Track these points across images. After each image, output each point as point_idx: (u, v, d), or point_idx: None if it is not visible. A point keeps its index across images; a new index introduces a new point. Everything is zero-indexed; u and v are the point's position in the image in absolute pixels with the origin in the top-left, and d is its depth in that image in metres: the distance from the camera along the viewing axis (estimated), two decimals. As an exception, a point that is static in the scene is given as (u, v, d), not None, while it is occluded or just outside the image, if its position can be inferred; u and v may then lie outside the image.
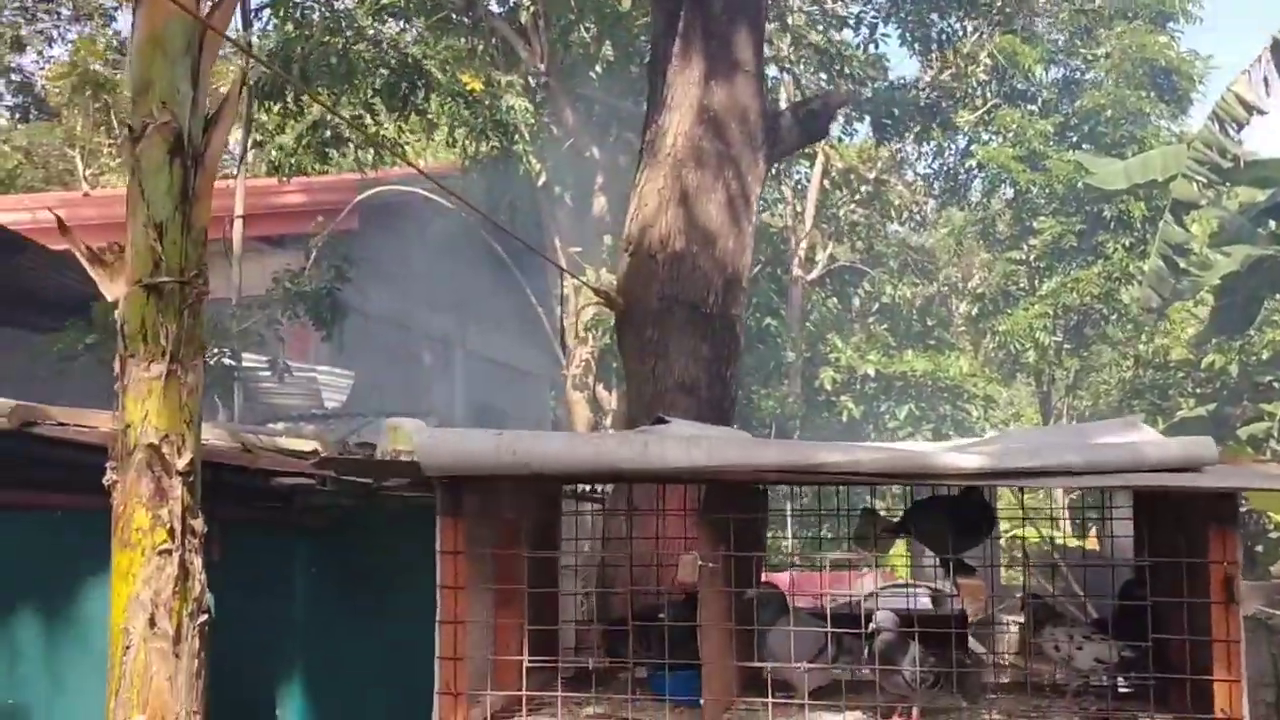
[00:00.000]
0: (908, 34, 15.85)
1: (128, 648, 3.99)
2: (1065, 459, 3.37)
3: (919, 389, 18.10)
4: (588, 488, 6.04)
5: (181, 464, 4.04)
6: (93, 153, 25.07)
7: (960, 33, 17.12)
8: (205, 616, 4.11)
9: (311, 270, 9.65)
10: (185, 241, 4.13)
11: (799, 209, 19.14)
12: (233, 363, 8.44)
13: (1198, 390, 19.74)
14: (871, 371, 17.85)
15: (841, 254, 20.28)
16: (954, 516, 3.85)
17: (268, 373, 9.19)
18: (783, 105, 12.40)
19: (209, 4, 4.33)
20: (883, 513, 4.57)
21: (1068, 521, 12.04)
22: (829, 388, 18.13)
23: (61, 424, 4.91)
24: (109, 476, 4.07)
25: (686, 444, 3.55)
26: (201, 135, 4.22)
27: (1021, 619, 4.44)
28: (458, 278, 13.80)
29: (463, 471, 3.64)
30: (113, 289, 4.16)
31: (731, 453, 3.50)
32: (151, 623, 3.99)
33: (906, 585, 8.50)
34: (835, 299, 20.35)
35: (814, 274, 19.33)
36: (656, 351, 6.01)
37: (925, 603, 7.32)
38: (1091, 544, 8.40)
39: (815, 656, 3.87)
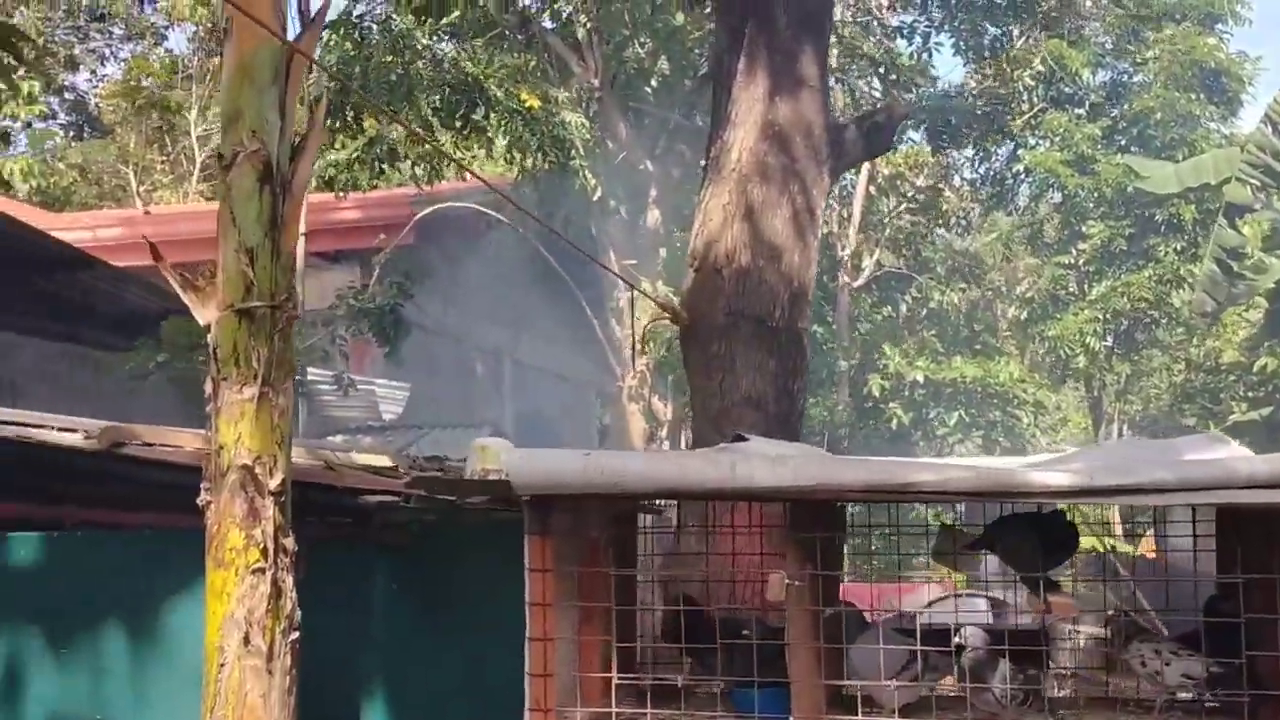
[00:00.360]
0: (961, 42, 15.82)
1: (222, 665, 4.06)
2: (1156, 476, 3.38)
3: (968, 395, 18.02)
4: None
5: (273, 484, 4.13)
6: (145, 169, 25.49)
7: (1009, 38, 17.06)
8: (296, 634, 4.18)
9: (374, 286, 9.79)
10: (275, 267, 4.22)
11: (845, 215, 19.13)
12: (298, 377, 8.56)
13: (1250, 394, 19.51)
14: (920, 378, 17.78)
15: (887, 260, 20.25)
16: (1039, 534, 3.87)
17: (329, 386, 9.33)
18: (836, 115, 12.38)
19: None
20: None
21: (1119, 529, 11.95)
22: (877, 395, 18.10)
23: (148, 444, 5.00)
24: (203, 497, 4.16)
25: (773, 464, 3.59)
26: (289, 163, 4.31)
27: (1094, 632, 4.44)
28: (510, 290, 13.91)
29: (552, 490, 3.70)
30: (204, 313, 4.25)
31: (819, 472, 3.53)
32: (246, 640, 4.06)
33: (967, 595, 8.46)
34: (885, 305, 20.30)
35: (860, 280, 19.31)
36: (723, 366, 6.05)
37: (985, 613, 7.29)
38: (1148, 553, 8.33)
39: (900, 672, 3.89)
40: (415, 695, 4.90)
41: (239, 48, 4.26)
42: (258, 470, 4.11)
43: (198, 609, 4.20)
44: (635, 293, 9.65)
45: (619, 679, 3.88)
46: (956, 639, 3.68)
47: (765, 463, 3.59)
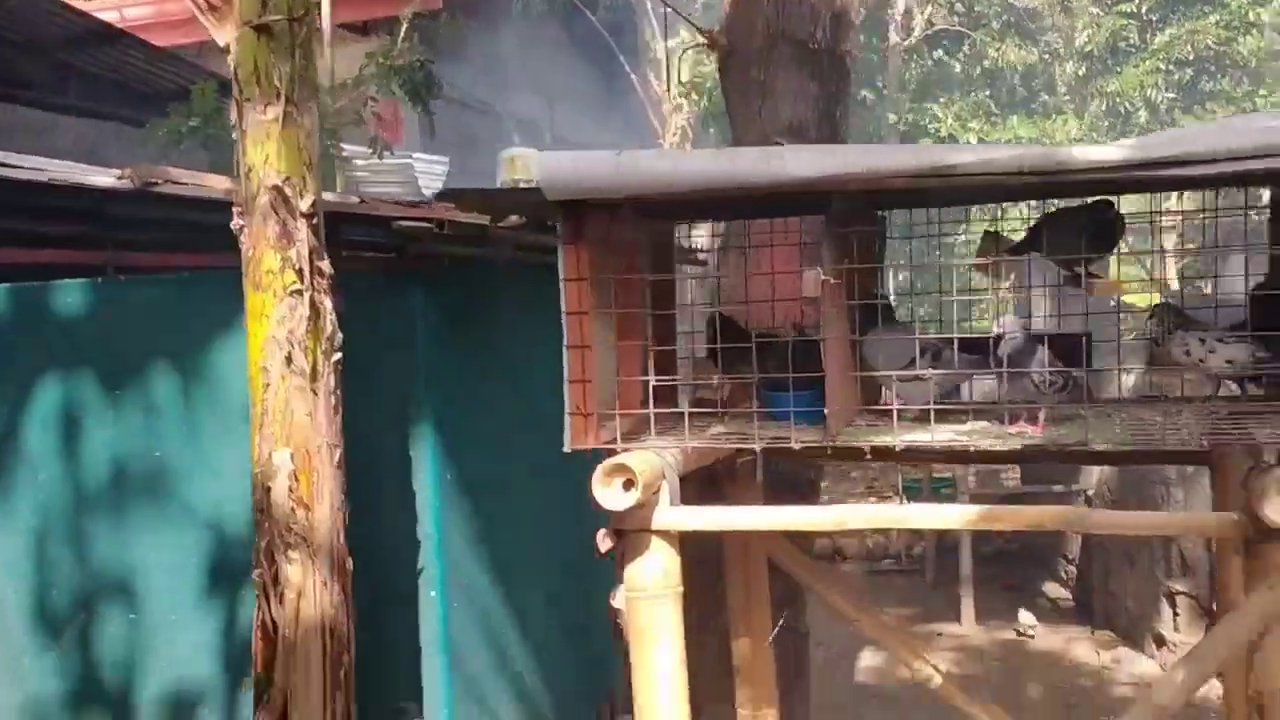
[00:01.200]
0: None
1: (267, 385, 4.11)
2: (1230, 143, 3.09)
3: (1022, 157, 17.52)
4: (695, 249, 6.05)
5: (304, 206, 4.08)
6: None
7: None
8: (339, 355, 4.22)
9: (402, 46, 9.48)
10: (291, -20, 4.06)
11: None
12: (330, 148, 8.38)
13: (1319, 146, 18.78)
14: (974, 140, 17.28)
15: (939, 19, 19.39)
16: (1086, 224, 3.76)
17: (364, 161, 9.16)
18: None
19: None
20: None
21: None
22: (928, 159, 17.65)
23: (179, 183, 4.97)
24: (235, 222, 4.13)
25: (816, 154, 3.46)
26: None
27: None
28: (544, 53, 13.48)
29: (585, 194, 3.61)
30: (223, 33, 4.12)
31: (859, 159, 3.40)
32: (288, 360, 4.09)
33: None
34: (934, 65, 19.57)
35: (911, 40, 18.56)
36: (763, 91, 5.78)
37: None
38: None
39: (908, 366, 3.84)
40: (462, 421, 4.97)
41: None
42: (288, 191, 4.06)
43: (241, 345, 4.22)
44: (678, 13, 9.06)
45: (657, 381, 3.88)
46: (995, 329, 3.61)
47: (809, 153, 3.47)
